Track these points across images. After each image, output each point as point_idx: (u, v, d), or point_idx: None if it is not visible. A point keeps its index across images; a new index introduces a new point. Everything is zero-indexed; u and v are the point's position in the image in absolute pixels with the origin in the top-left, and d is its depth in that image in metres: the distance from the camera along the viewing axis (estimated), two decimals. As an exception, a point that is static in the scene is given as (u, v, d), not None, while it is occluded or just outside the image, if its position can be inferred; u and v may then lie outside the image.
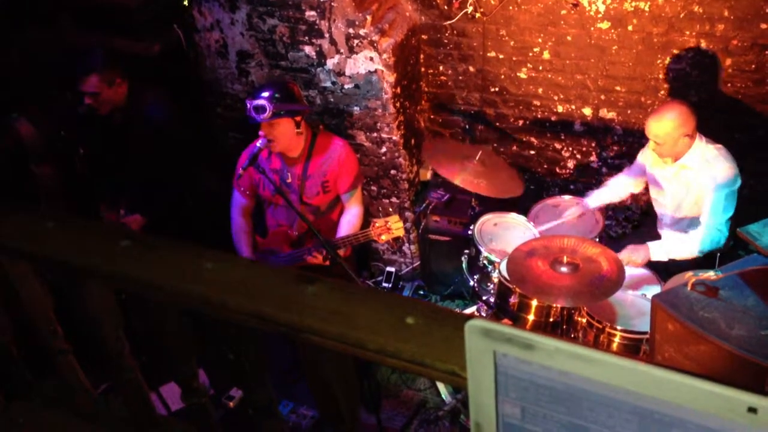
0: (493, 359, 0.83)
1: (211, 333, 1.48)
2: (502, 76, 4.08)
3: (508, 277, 3.14)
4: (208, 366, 3.35)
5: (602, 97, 3.92)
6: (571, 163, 4.25)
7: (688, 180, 3.26)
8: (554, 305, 3.12)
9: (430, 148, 3.95)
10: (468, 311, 3.81)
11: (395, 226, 3.24)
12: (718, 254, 3.33)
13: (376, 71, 3.89)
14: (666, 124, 3.11)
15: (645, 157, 3.50)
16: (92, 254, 1.44)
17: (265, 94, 3.07)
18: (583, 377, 0.78)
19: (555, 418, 0.83)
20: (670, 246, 3.28)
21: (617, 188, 3.68)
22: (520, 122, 4.22)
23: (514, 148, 4.33)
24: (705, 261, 3.24)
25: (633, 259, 3.25)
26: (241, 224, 3.48)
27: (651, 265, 3.32)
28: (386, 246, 4.62)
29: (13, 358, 1.97)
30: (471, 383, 0.86)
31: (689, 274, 2.42)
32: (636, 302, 3.18)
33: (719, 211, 3.17)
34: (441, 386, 3.72)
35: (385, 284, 4.51)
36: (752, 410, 0.68)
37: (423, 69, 4.26)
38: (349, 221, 3.39)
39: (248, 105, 3.06)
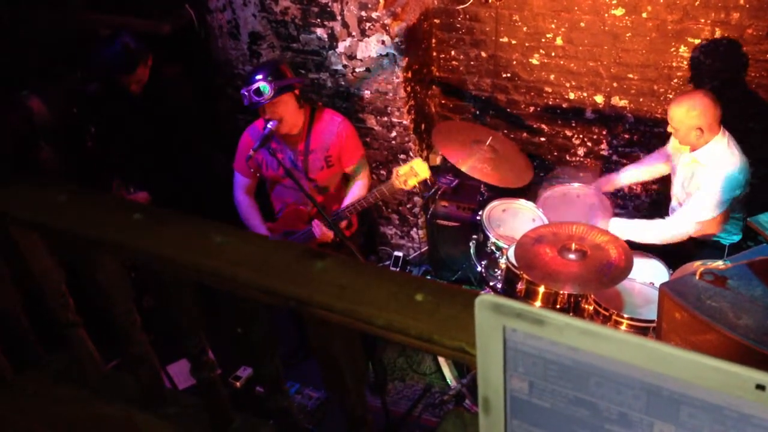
0: (503, 334, 0.83)
1: (219, 308, 1.49)
2: (514, 62, 4.05)
3: (515, 264, 3.14)
4: (215, 346, 3.37)
5: (614, 84, 3.89)
6: (581, 151, 4.23)
7: (695, 173, 3.24)
8: (561, 292, 3.12)
9: (441, 131, 3.92)
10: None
11: (420, 168, 3.17)
12: (727, 245, 3.32)
13: (387, 55, 3.87)
14: (680, 109, 3.09)
15: (672, 140, 3.49)
16: (104, 227, 1.45)
17: (259, 76, 3.08)
18: (592, 353, 0.78)
19: (563, 394, 0.84)
20: (633, 227, 3.30)
21: (652, 167, 3.64)
22: (531, 109, 4.20)
23: (525, 134, 4.31)
24: (714, 252, 3.23)
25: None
26: (249, 201, 3.53)
27: (659, 254, 3.32)
28: (394, 230, 4.63)
29: (24, 330, 1.99)
30: (480, 358, 0.86)
31: (698, 263, 2.42)
32: (643, 290, 3.18)
33: (703, 204, 3.15)
34: (446, 371, 3.73)
35: (392, 269, 4.52)
36: (760, 387, 0.68)
37: (434, 53, 4.24)
38: (356, 192, 3.43)
39: (246, 93, 3.07)
